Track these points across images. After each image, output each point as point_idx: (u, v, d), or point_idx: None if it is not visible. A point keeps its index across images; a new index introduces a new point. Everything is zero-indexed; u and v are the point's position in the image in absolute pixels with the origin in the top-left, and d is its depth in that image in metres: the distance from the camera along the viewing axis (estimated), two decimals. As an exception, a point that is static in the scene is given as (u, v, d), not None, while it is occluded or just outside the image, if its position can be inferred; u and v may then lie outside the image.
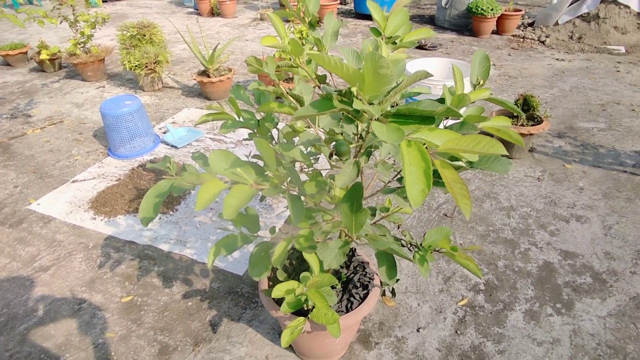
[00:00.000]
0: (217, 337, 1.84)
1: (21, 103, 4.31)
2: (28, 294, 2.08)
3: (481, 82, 1.16)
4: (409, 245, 1.31)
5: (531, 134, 2.90)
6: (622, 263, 2.13)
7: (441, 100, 1.09)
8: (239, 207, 0.81)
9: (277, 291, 1.25)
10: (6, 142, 3.54)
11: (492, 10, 5.72)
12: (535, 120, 3.00)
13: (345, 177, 0.95)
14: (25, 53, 5.40)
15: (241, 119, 1.35)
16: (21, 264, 2.26)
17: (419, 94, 1.22)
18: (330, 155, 1.04)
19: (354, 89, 0.66)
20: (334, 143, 1.07)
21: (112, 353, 1.79)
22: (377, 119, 0.67)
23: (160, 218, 2.55)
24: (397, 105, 1.04)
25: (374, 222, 1.41)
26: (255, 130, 1.38)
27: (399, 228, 2.31)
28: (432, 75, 0.71)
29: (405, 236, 1.31)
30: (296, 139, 1.81)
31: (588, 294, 1.97)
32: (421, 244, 1.22)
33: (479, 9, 5.74)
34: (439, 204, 2.61)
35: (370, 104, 0.69)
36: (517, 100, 3.05)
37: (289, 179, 1.03)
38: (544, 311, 1.90)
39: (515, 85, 4.36)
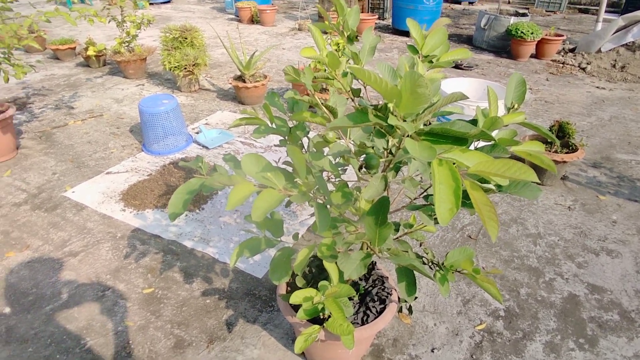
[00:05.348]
0: (232, 336, 1.86)
1: (66, 95, 4.53)
2: (56, 276, 2.17)
3: (515, 106, 1.15)
4: (430, 264, 1.30)
5: (564, 162, 2.83)
6: (653, 303, 2.04)
7: (474, 122, 1.09)
8: (268, 211, 0.84)
9: (295, 297, 1.27)
10: (49, 130, 3.73)
11: (532, 33, 5.63)
12: (569, 147, 2.93)
13: (372, 190, 0.97)
14: (74, 48, 5.69)
15: (274, 126, 1.39)
16: (53, 247, 2.37)
17: (452, 113, 1.22)
18: (360, 168, 1.06)
19: (390, 105, 0.67)
20: (363, 156, 1.08)
21: (130, 342, 1.84)
22: (411, 136, 0.69)
23: (186, 215, 2.62)
24: (429, 123, 1.05)
25: (397, 238, 1.41)
26: (286, 138, 1.42)
27: (420, 245, 2.29)
28: (467, 98, 0.72)
29: (427, 254, 1.30)
30: (326, 149, 1.83)
31: (614, 331, 1.90)
32: (443, 263, 1.21)
33: (519, 32, 5.67)
34: (463, 224, 2.58)
35: (404, 120, 0.71)
36: (552, 126, 2.99)
37: (317, 187, 1.05)
38: (566, 345, 1.83)
39: (551, 111, 4.26)
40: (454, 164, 0.66)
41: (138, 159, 3.29)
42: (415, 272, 1.14)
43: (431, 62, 1.28)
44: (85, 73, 5.22)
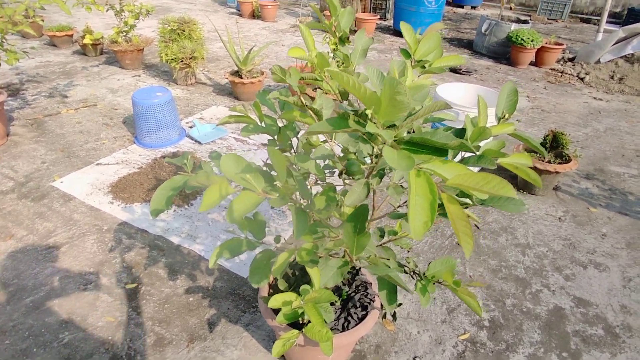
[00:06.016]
0: (213, 336, 1.84)
1: (60, 83, 4.48)
2: (39, 267, 2.14)
3: (506, 116, 1.13)
4: (412, 273, 1.28)
5: (557, 172, 2.82)
6: (638, 319, 2.03)
7: (463, 130, 1.07)
8: (244, 213, 0.81)
9: (274, 301, 1.24)
10: (41, 118, 3.68)
11: (532, 41, 5.62)
12: (563, 158, 2.92)
13: (354, 196, 0.94)
14: (71, 36, 5.62)
15: (263, 124, 1.37)
16: (37, 237, 2.33)
17: (444, 120, 1.20)
18: (340, 174, 1.04)
19: (368, 112, 0.65)
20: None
21: (109, 337, 1.81)
22: (390, 145, 0.67)
23: (174, 210, 2.59)
24: (413, 131, 1.03)
25: (382, 244, 1.39)
26: (275, 137, 1.39)
27: (408, 252, 2.27)
28: (451, 107, 0.69)
29: (409, 263, 1.28)
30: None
31: (598, 346, 1.89)
32: (424, 274, 1.19)
33: (519, 39, 5.66)
34: (452, 231, 2.56)
35: (387, 127, 0.69)
36: (547, 135, 2.98)
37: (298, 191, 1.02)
38: (549, 358, 1.82)
39: (547, 120, 4.26)
40: (432, 175, 0.64)
41: (129, 151, 3.25)
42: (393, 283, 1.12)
43: (424, 67, 1.26)
44: (82, 61, 5.16)
